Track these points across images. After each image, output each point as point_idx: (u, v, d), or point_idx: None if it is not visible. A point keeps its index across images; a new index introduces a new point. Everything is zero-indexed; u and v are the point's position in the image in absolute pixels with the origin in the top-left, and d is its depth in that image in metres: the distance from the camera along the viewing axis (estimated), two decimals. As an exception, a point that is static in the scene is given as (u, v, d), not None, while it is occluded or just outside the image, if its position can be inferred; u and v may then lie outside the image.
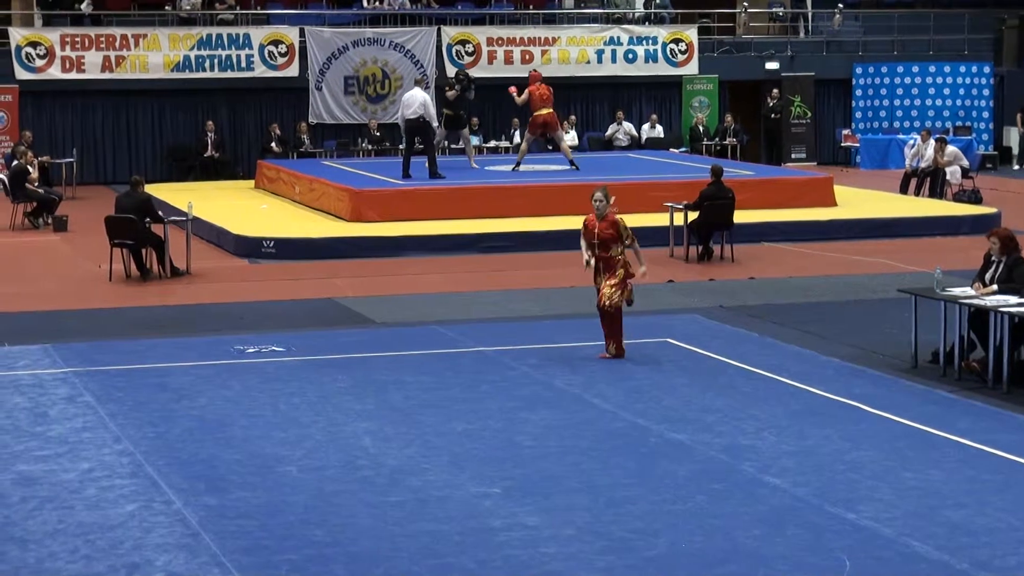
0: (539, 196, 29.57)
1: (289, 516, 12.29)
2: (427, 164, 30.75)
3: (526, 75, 33.61)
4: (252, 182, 36.06)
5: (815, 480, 13.19)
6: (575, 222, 27.84)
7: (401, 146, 32.15)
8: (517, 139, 38.54)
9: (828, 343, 18.99)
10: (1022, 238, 18.72)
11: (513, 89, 32.91)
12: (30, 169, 30.84)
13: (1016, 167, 42.83)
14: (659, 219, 26.86)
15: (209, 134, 38.45)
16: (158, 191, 31.30)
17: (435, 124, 30.83)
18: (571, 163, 32.23)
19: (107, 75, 38.12)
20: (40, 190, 31.13)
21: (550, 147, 36.32)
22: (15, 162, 30.85)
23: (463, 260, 26.01)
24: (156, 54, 38.32)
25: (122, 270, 24.14)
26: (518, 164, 32.50)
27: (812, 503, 12.55)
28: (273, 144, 38.28)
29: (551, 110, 32.16)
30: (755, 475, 13.40)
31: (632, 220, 27.94)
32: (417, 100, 30.43)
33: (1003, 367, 16.58)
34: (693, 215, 25.84)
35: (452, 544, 11.61)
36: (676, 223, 26.37)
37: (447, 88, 32.66)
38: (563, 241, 26.97)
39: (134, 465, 13.80)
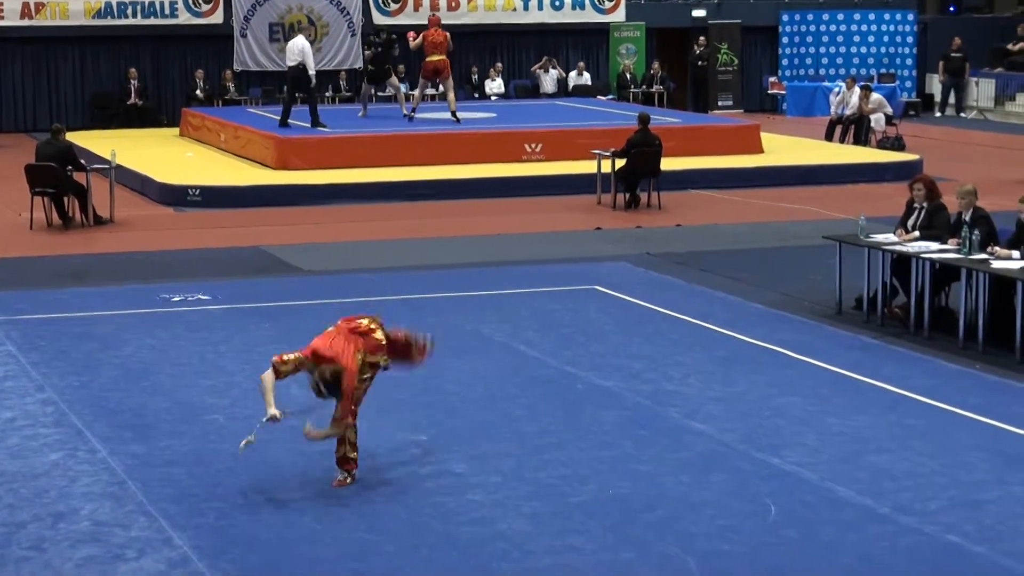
0: (462, 142, 29.53)
1: (216, 464, 12.29)
2: (309, 113, 30.67)
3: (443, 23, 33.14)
4: (177, 130, 35.84)
5: (741, 426, 13.27)
6: (500, 169, 28.06)
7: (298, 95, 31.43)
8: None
9: (754, 290, 19.08)
10: (944, 185, 18.86)
11: (411, 34, 32.25)
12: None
13: (938, 114, 43.06)
14: (586, 167, 26.93)
15: (132, 81, 38.17)
16: (80, 139, 31.10)
17: (312, 73, 30.19)
18: (453, 115, 31.54)
19: (27, 22, 37.79)
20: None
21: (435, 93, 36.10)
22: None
23: (389, 208, 25.96)
24: (77, 1, 37.95)
25: (43, 218, 23.99)
26: (413, 111, 32.03)
27: (738, 449, 12.64)
28: (198, 91, 38.07)
29: (444, 56, 31.34)
30: (681, 421, 13.48)
31: (560, 167, 28.23)
32: (296, 48, 30.16)
33: (924, 313, 16.71)
34: (620, 163, 25.89)
35: (380, 493, 11.64)
36: (603, 171, 26.40)
37: (365, 48, 32.32)
38: (488, 189, 27.13)
39: (58, 414, 13.75)
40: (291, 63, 30.14)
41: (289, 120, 30.49)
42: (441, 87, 34.33)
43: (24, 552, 10.40)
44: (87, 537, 10.69)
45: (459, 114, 31.54)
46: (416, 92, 33.05)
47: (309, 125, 30.26)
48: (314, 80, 30.61)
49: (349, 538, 10.62)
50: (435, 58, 31.32)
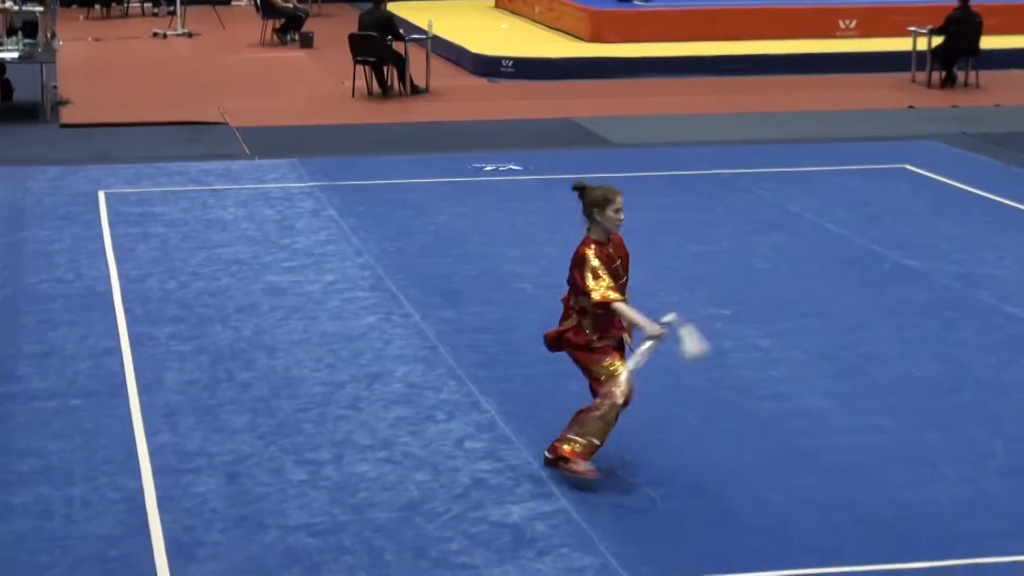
0: (775, 18, 29.15)
1: (524, 332, 12.43)
2: None
3: None
4: (492, 1, 36.02)
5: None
6: (812, 45, 27.68)
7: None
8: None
9: None
10: None
11: None
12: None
13: None
14: (902, 43, 26.38)
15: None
16: (399, 9, 31.42)
17: None
18: None
19: None
20: (289, 5, 31.44)
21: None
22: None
23: (699, 82, 25.85)
24: None
25: (364, 87, 24.42)
26: None
27: (1048, 333, 12.42)
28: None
29: None
30: (993, 304, 13.28)
31: (874, 44, 27.74)
32: None
33: None
34: (937, 40, 25.31)
35: (683, 363, 11.68)
36: (919, 48, 25.85)
37: None
38: (800, 65, 26.82)
39: (374, 278, 14.09)
40: None
41: None
42: None
43: (342, 411, 10.74)
44: (400, 399, 11.00)
45: None
46: None
47: None
48: None
49: (654, 409, 10.70)
50: None
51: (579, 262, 9.57)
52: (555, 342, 9.85)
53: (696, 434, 10.33)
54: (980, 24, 25.07)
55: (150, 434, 10.33)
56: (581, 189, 9.82)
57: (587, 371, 9.71)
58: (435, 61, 25.88)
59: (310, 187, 17.83)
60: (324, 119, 22.46)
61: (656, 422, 10.50)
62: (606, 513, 9.03)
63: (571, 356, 9.79)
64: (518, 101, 24.16)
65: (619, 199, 9.66)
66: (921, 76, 25.71)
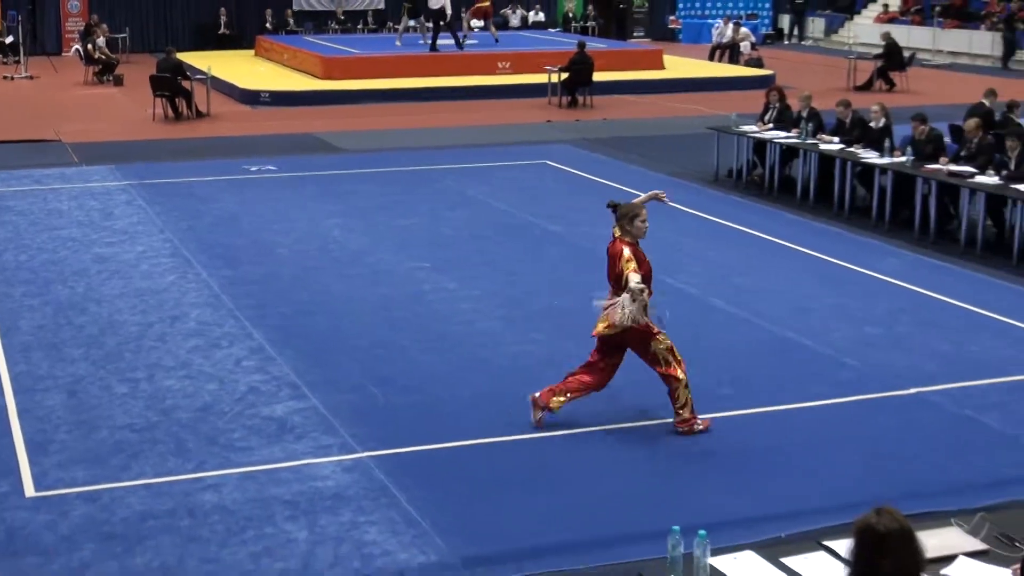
0: (455, 61, 29.20)
1: (282, 283, 12.32)
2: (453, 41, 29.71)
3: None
4: (253, 51, 35.31)
5: (651, 257, 13.24)
6: (482, 79, 27.75)
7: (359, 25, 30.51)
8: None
9: (658, 164, 19.05)
10: (789, 92, 18.80)
11: None
12: (98, 41, 30.17)
13: (786, 42, 42.61)
14: (542, 78, 26.68)
15: (223, 16, 37.48)
16: (186, 57, 30.54)
17: (448, 12, 28.87)
18: (495, 37, 31.01)
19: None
20: (103, 56, 30.34)
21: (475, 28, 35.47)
22: (89, 37, 30.22)
23: (404, 106, 25.72)
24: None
25: (162, 113, 23.77)
26: (464, 39, 30.82)
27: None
28: (268, 24, 37.43)
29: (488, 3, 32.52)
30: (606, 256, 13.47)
31: (522, 78, 27.94)
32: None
33: (775, 180, 16.76)
34: (564, 75, 25.67)
35: (397, 301, 11.70)
36: (553, 80, 26.18)
37: None
38: (474, 93, 26.90)
39: (173, 248, 13.74)
40: (434, 6, 28.64)
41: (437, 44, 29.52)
42: (481, 23, 34.14)
43: (152, 343, 10.46)
44: (194, 333, 10.75)
45: (445, 42, 30.72)
46: (464, 26, 32.68)
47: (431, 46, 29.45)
48: (448, 15, 29.15)
49: (376, 334, 10.66)
50: (484, 4, 32.46)
51: (617, 256, 8.69)
52: (614, 340, 8.60)
53: (408, 351, 10.31)
54: (592, 64, 25.48)
55: (11, 365, 9.91)
56: (615, 207, 8.95)
57: (648, 354, 8.54)
58: (214, 94, 25.26)
59: (124, 185, 17.27)
60: (133, 136, 21.72)
61: (380, 343, 10.46)
62: (344, 408, 8.97)
63: (632, 348, 8.61)
64: (273, 121, 23.76)
65: (644, 213, 8.92)
66: (555, 100, 26.02)
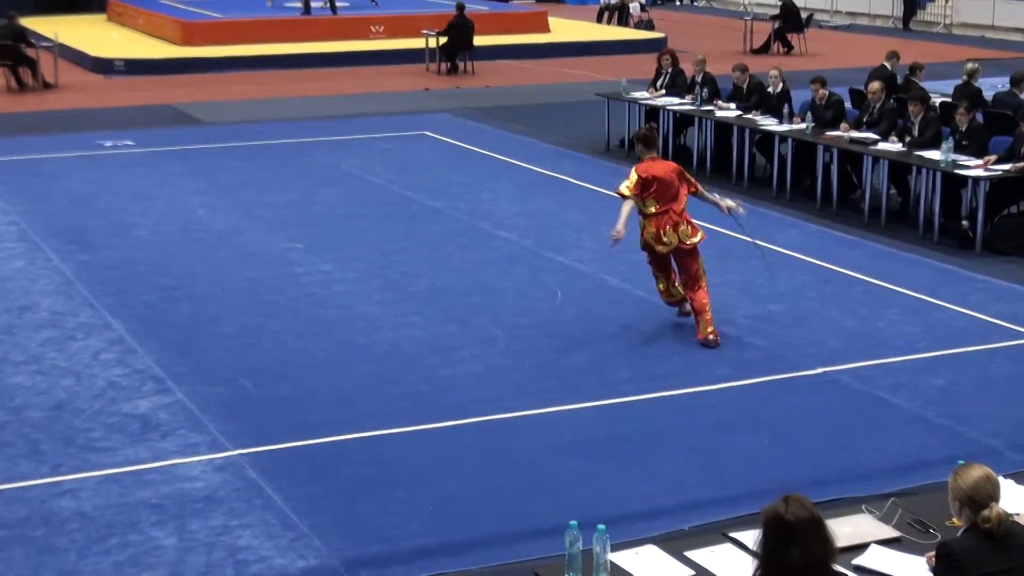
0: (323, 25, 28.96)
1: (142, 267, 12.11)
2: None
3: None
4: (105, 16, 34.63)
5: (536, 234, 13.34)
6: (351, 45, 27.57)
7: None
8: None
9: (545, 133, 19.08)
10: (682, 56, 18.95)
11: None
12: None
13: (678, 3, 43.00)
14: (419, 43, 26.55)
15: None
16: (30, 23, 29.86)
17: None
18: (332, 7, 30.51)
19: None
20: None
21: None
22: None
23: (270, 75, 25.43)
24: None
25: (3, 84, 23.21)
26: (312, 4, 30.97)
27: (533, 250, 12.71)
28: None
29: None
30: (491, 231, 13.51)
31: (397, 44, 27.80)
32: None
33: (669, 150, 16.86)
34: (443, 39, 25.58)
35: (268, 285, 11.56)
36: (431, 46, 26.07)
37: None
38: (345, 60, 26.71)
39: (20, 232, 13.42)
40: None
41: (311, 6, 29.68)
42: None
43: (-3, 336, 10.22)
44: (46, 324, 10.51)
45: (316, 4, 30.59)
46: None
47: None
48: None
49: (245, 321, 10.55)
50: None
51: (682, 173, 10.12)
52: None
53: (280, 337, 10.20)
54: (472, 27, 25.44)
55: None
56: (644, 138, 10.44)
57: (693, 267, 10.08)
58: (61, 63, 24.71)
59: (-36, 163, 16.84)
60: (-28, 110, 21.21)
61: (249, 330, 10.33)
62: (212, 401, 8.84)
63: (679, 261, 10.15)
64: (129, 92, 23.33)
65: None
66: (433, 67, 25.93)
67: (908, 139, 13.99)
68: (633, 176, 10.11)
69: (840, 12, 36.45)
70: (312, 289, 11.46)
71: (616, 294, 11.32)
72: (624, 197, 10.06)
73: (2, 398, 8.92)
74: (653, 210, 10.06)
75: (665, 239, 10.10)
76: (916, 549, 5.26)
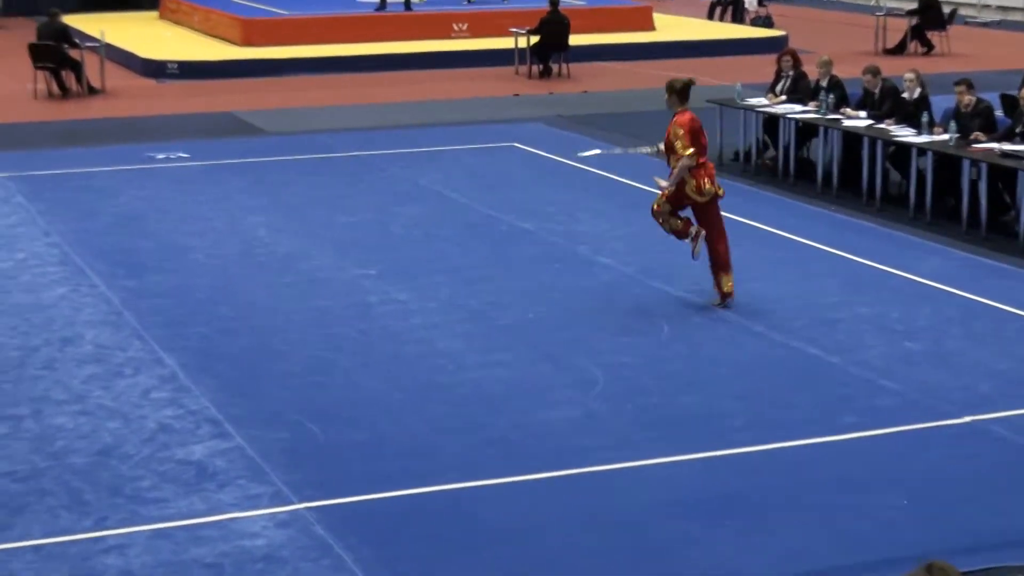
0: (401, 23, 29.18)
1: (198, 295, 12.24)
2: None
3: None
4: (156, 13, 35.18)
5: (639, 259, 13.31)
6: (431, 45, 27.78)
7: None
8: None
9: (647, 145, 19.03)
10: (805, 57, 18.87)
11: None
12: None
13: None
14: (506, 42, 26.68)
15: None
16: (74, 21, 30.46)
17: None
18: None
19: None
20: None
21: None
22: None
23: (340, 78, 25.69)
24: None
25: (45, 89, 23.63)
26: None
27: (637, 278, 12.69)
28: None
29: None
30: (589, 256, 13.51)
31: (483, 43, 27.95)
32: None
33: (790, 164, 16.78)
34: (534, 39, 25.69)
35: (336, 317, 11.64)
36: (520, 46, 26.19)
37: None
38: (424, 62, 26.88)
39: (62, 255, 13.64)
40: None
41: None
42: None
43: (38, 372, 10.35)
44: (91, 358, 10.65)
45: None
46: None
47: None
48: None
49: (312, 357, 10.62)
50: None
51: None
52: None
53: (351, 376, 10.25)
54: (568, 25, 25.53)
55: None
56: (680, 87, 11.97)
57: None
58: (108, 65, 25.14)
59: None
60: (9, 118, 21.57)
61: (316, 367, 10.40)
62: (276, 448, 8.89)
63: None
64: (183, 98, 23.66)
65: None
66: (523, 69, 26.04)
67: (1068, 153, 13.81)
68: (681, 132, 11.54)
69: (989, 6, 36.12)
70: (387, 321, 11.51)
71: (731, 329, 11.25)
72: (687, 156, 11.44)
73: (42, 442, 9.04)
74: (695, 163, 11.54)
75: (706, 189, 11.65)
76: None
